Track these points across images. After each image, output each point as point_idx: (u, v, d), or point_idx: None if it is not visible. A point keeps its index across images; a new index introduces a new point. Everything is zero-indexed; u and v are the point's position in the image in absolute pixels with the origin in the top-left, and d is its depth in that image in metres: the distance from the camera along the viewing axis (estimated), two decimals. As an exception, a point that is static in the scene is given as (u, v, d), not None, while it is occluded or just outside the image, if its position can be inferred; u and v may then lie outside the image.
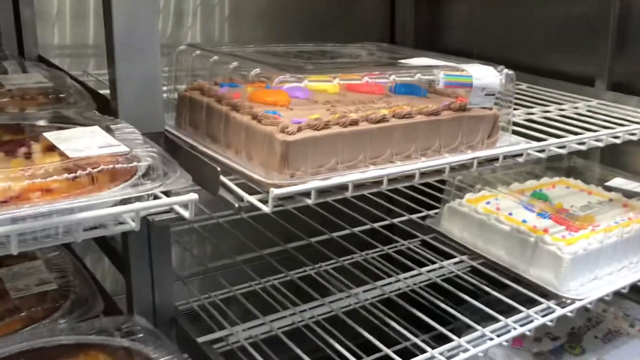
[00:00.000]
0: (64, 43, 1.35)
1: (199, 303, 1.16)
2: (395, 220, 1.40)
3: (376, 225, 1.41)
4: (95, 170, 0.58)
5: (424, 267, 1.28)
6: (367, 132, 0.79)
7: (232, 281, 1.20)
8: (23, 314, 0.84)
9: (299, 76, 0.78)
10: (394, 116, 0.83)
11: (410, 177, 0.81)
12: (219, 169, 0.73)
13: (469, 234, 1.24)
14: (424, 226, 1.33)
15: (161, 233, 0.87)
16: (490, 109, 0.93)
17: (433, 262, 1.30)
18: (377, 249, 1.36)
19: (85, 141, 0.65)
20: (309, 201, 0.72)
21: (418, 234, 1.36)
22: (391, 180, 0.79)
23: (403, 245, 1.38)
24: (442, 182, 1.32)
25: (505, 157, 0.91)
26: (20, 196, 0.56)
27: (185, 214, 0.65)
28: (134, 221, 0.63)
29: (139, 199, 0.62)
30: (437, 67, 0.90)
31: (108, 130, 0.70)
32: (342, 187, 0.75)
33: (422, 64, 0.95)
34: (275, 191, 0.68)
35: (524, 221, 1.16)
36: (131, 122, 0.79)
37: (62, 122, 0.75)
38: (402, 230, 1.40)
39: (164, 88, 0.97)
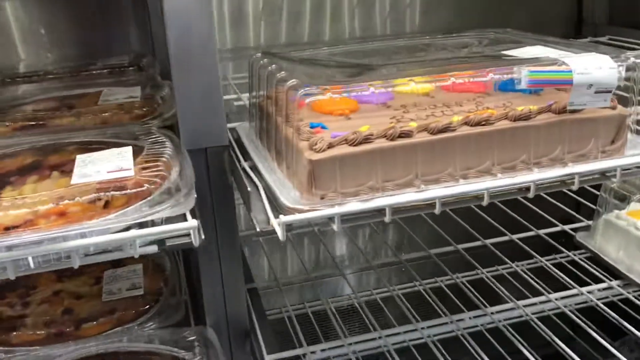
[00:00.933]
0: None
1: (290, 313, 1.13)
2: (542, 232, 1.20)
3: (515, 236, 1.22)
4: (85, 199, 0.58)
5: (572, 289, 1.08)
6: (419, 145, 0.67)
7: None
8: (114, 315, 0.89)
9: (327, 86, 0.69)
10: (466, 123, 0.70)
11: (476, 198, 0.68)
12: (249, 189, 0.69)
13: (626, 254, 1.02)
14: (574, 240, 1.12)
15: (231, 245, 0.85)
16: (614, 107, 0.74)
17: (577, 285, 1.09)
18: (524, 262, 1.19)
19: (101, 165, 0.65)
20: (334, 227, 0.64)
21: (563, 250, 1.15)
22: (446, 204, 0.66)
23: (552, 259, 1.18)
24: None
25: (625, 170, 0.71)
26: (31, 222, 0.59)
27: (191, 240, 0.62)
28: (139, 247, 0.62)
29: (142, 225, 0.61)
30: (538, 60, 0.73)
31: (141, 148, 0.70)
32: (379, 211, 0.65)
33: (528, 56, 0.78)
34: (283, 219, 0.61)
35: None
36: (193, 136, 0.79)
37: (117, 139, 0.77)
38: (546, 244, 1.19)
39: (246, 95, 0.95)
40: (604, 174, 0.73)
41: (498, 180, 0.68)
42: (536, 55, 0.77)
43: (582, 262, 1.10)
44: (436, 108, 0.76)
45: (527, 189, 0.69)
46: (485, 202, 0.67)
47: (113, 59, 1.19)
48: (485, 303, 1.05)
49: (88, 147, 0.74)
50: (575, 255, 1.12)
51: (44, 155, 0.74)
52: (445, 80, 0.76)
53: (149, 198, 0.61)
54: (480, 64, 0.78)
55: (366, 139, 0.66)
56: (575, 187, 0.70)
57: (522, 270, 1.17)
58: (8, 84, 1.11)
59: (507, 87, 0.80)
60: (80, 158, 0.68)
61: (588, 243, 1.08)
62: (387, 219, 0.65)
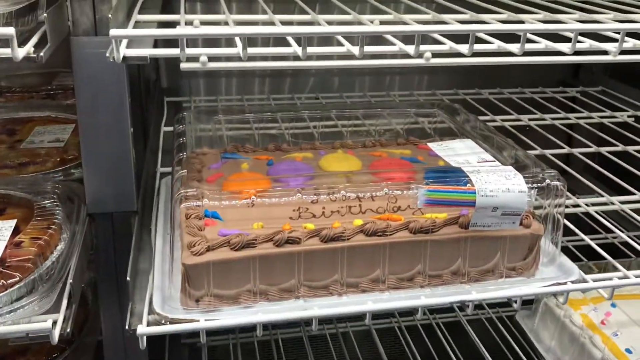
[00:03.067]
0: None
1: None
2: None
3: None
4: None
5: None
6: (306, 253, 0.65)
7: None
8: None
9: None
10: (362, 232, 0.67)
11: (359, 317, 0.65)
12: (128, 278, 0.67)
13: (559, 345, 0.98)
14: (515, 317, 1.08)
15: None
16: (527, 226, 0.70)
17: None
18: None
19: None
20: (202, 341, 0.62)
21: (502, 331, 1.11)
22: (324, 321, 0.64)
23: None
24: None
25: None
26: None
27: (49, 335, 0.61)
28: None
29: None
30: (444, 175, 0.69)
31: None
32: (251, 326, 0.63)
33: (447, 156, 0.74)
34: (140, 329, 0.59)
35: None
36: (99, 200, 0.77)
37: (20, 192, 0.76)
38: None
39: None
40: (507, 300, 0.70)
41: (382, 304, 0.65)
42: (453, 159, 0.73)
43: (514, 346, 1.07)
44: (347, 200, 0.73)
45: (416, 310, 0.66)
46: (367, 321, 0.65)
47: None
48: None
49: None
50: (510, 339, 1.09)
51: None
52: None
53: (13, 288, 0.60)
54: (380, 175, 0.74)
55: (250, 244, 0.64)
56: (469, 311, 0.67)
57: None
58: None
59: (435, 176, 0.77)
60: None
61: (526, 324, 1.05)
62: (258, 332, 0.62)
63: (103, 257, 0.80)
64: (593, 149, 1.12)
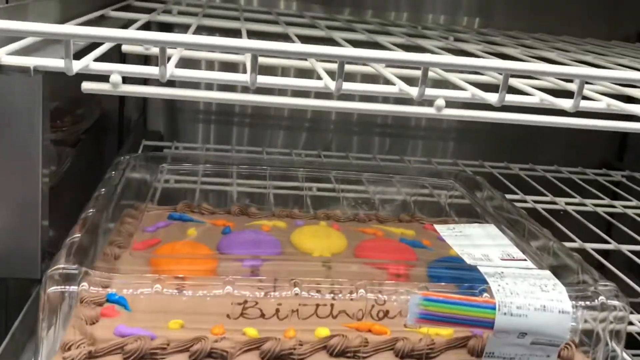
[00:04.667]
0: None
1: None
2: None
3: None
4: None
5: None
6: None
7: None
8: None
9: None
10: (325, 348, 0.46)
11: None
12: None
13: None
14: None
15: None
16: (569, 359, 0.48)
17: None
18: None
19: None
20: None
21: None
22: None
23: None
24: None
25: None
26: None
27: None
28: None
29: None
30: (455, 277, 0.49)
31: None
32: None
33: (458, 246, 0.54)
34: None
35: None
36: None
37: None
38: None
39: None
40: None
41: None
42: (468, 252, 0.52)
43: None
44: (313, 298, 0.53)
45: None
46: None
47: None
48: None
49: None
50: None
51: None
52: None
53: None
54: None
55: (152, 355, 0.43)
56: None
57: None
58: None
59: (442, 273, 0.56)
60: None
61: None
62: None
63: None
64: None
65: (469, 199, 0.66)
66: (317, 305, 0.51)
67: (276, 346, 0.44)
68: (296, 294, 0.51)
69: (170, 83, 0.41)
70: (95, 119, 0.91)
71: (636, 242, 0.92)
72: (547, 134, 1.19)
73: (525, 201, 1.01)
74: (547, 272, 0.48)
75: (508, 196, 1.02)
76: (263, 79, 0.40)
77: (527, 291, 0.45)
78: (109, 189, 0.61)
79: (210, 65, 1.04)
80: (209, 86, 1.02)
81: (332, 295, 0.51)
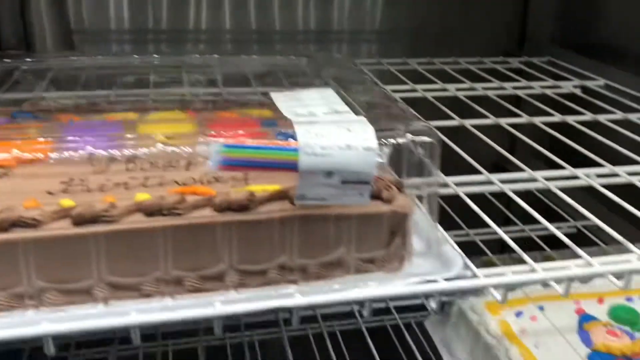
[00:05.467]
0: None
1: None
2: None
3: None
4: None
5: None
6: (31, 243, 0.43)
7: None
8: None
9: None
10: (140, 210, 0.46)
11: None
12: None
13: (472, 360, 0.78)
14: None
15: None
16: (388, 199, 0.50)
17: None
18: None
19: None
20: None
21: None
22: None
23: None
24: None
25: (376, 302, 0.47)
26: None
27: None
28: None
29: None
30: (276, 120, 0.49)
31: None
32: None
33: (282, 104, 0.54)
34: None
35: None
36: None
37: None
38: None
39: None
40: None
41: (148, 314, 0.44)
42: (293, 111, 0.52)
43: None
44: (145, 170, 0.53)
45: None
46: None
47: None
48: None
49: None
50: (417, 352, 0.88)
51: None
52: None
53: None
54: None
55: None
56: (367, 317, 0.47)
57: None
58: None
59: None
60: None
61: (436, 334, 0.84)
62: None
63: None
64: (524, 119, 0.92)
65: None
66: (146, 178, 0.51)
67: (87, 210, 0.44)
68: (129, 169, 0.52)
69: None
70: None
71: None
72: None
73: (415, 90, 1.02)
74: (362, 118, 0.48)
75: (397, 87, 1.02)
76: None
77: (333, 133, 0.45)
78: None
79: None
80: None
81: (162, 164, 0.52)
